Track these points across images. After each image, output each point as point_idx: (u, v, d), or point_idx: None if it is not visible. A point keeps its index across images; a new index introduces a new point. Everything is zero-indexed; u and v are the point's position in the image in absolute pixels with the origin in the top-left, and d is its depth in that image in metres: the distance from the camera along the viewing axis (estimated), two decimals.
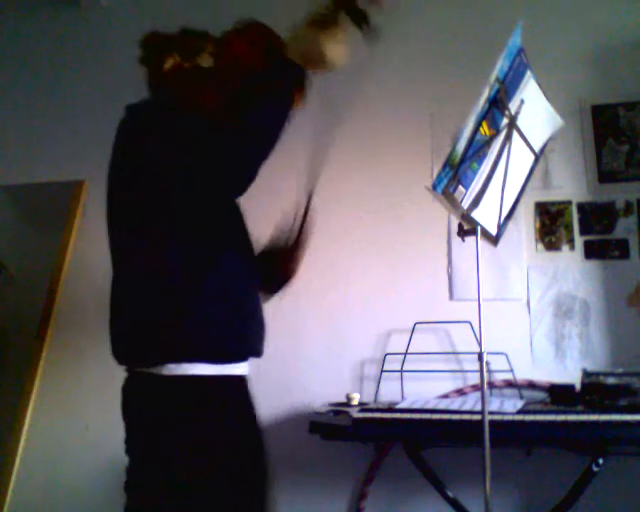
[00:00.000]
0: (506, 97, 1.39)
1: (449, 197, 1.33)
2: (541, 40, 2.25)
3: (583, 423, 1.59)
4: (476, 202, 1.40)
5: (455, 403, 1.82)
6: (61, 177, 2.62)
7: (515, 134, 1.45)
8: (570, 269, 2.22)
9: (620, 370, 1.80)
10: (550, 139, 1.63)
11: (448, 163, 1.32)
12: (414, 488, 2.08)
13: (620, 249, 2.19)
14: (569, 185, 2.28)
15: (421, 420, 1.67)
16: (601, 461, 1.69)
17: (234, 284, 1.26)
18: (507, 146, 1.43)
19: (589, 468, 1.70)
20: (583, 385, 1.81)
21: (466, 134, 1.33)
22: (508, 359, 2.08)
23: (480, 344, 1.40)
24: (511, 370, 2.07)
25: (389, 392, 2.14)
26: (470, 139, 1.34)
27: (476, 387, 2.16)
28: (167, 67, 1.34)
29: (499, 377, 2.13)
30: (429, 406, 1.75)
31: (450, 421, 1.65)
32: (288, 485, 2.21)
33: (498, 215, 1.47)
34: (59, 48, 2.77)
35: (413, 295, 2.28)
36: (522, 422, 1.61)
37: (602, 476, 1.72)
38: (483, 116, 1.36)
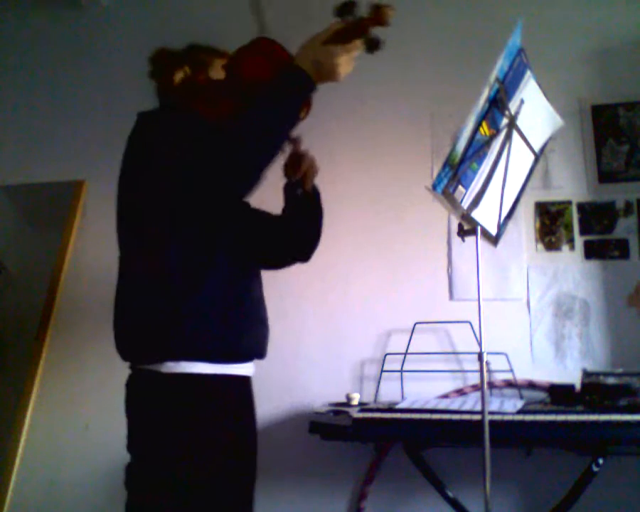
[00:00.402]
0: (506, 97, 1.39)
1: (449, 197, 1.33)
2: (541, 40, 2.25)
3: (583, 423, 1.58)
4: (476, 202, 1.40)
5: (455, 403, 1.82)
6: (61, 177, 2.61)
7: (515, 134, 1.45)
8: (570, 269, 2.22)
9: (620, 370, 1.81)
10: (550, 139, 1.63)
11: (448, 163, 1.32)
12: (414, 488, 2.08)
13: (620, 249, 2.19)
14: (569, 185, 2.28)
15: (421, 420, 1.67)
16: (601, 461, 1.69)
17: (235, 285, 1.27)
18: (507, 146, 1.43)
19: (589, 468, 1.70)
20: (583, 385, 1.81)
21: (466, 134, 1.33)
22: (508, 359, 2.08)
23: (480, 344, 1.40)
24: (511, 370, 2.07)
25: (389, 392, 2.14)
26: (470, 139, 1.34)
27: (476, 387, 2.16)
28: (177, 80, 1.36)
29: (499, 377, 2.13)
30: (429, 406, 1.75)
31: (450, 421, 1.65)
32: (288, 485, 2.21)
33: (498, 215, 1.47)
34: (59, 48, 2.77)
35: (413, 295, 2.28)
36: (522, 422, 1.61)
37: (602, 476, 1.72)
38: (483, 116, 1.36)
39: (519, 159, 1.51)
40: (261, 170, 1.13)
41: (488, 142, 1.39)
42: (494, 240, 1.51)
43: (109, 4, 2.77)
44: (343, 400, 1.99)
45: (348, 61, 1.15)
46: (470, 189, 1.38)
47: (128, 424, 1.22)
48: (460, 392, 2.17)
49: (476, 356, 1.41)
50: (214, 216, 1.26)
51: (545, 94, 1.52)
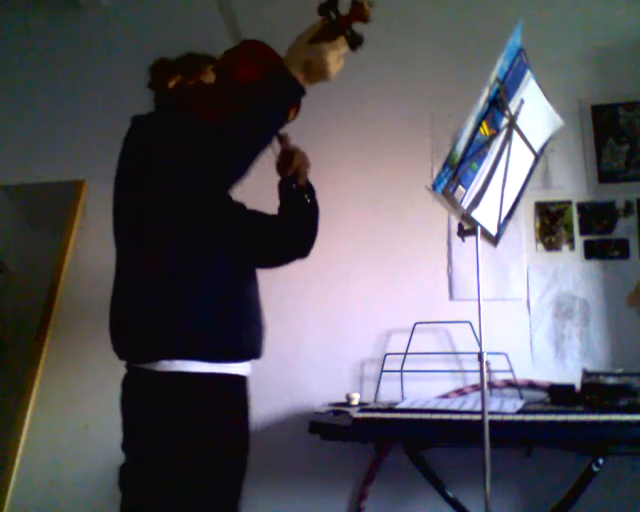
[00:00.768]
0: (506, 97, 1.39)
1: (449, 197, 1.33)
2: (541, 40, 2.25)
3: (583, 423, 1.58)
4: (476, 202, 1.40)
5: (455, 403, 1.82)
6: (61, 177, 2.62)
7: (515, 134, 1.45)
8: (570, 269, 2.22)
9: (620, 370, 1.81)
10: (550, 139, 1.63)
11: (448, 163, 1.32)
12: (414, 488, 2.08)
13: (620, 249, 2.19)
14: (569, 185, 2.28)
15: (421, 420, 1.67)
16: (601, 461, 1.69)
17: (231, 285, 1.28)
18: (507, 146, 1.43)
19: (589, 468, 1.70)
20: (583, 385, 1.81)
21: (466, 134, 1.33)
22: (508, 359, 2.08)
23: (480, 344, 1.40)
24: (511, 370, 2.07)
25: (389, 392, 2.14)
26: (470, 139, 1.34)
27: (476, 387, 2.16)
28: (171, 86, 1.39)
29: (499, 377, 2.13)
30: (429, 406, 1.75)
31: (450, 421, 1.65)
32: (288, 485, 2.21)
33: (498, 215, 1.47)
34: (59, 48, 2.77)
35: (413, 295, 2.28)
36: (522, 422, 1.61)
37: (602, 476, 1.72)
38: (483, 116, 1.36)
39: (519, 159, 1.51)
40: (245, 168, 1.14)
41: (488, 142, 1.39)
42: (494, 240, 1.51)
43: (109, 4, 2.77)
44: (343, 399, 1.99)
45: (336, 58, 1.15)
46: (470, 189, 1.38)
47: (123, 423, 1.23)
48: (460, 392, 2.17)
49: (476, 356, 1.41)
50: (211, 217, 1.27)
51: (545, 94, 1.52)
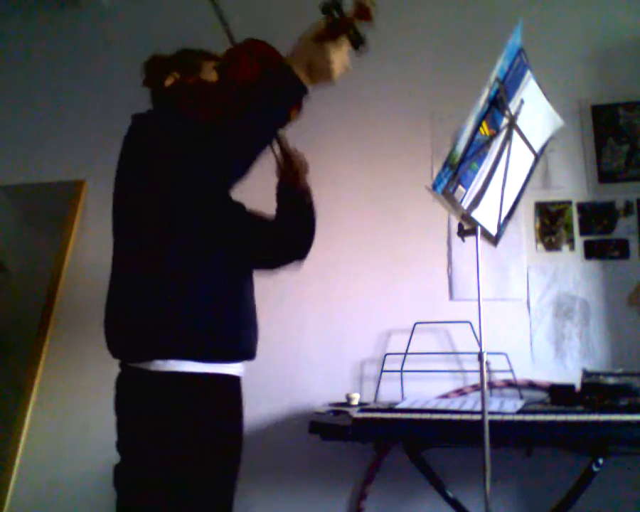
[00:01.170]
0: (506, 97, 1.39)
1: (449, 197, 1.33)
2: (541, 40, 2.25)
3: (583, 423, 1.58)
4: (476, 202, 1.40)
5: (455, 403, 1.82)
6: (61, 177, 2.62)
7: (515, 134, 1.45)
8: (570, 269, 2.22)
9: (620, 370, 1.81)
10: (550, 139, 1.63)
11: (448, 163, 1.32)
12: (414, 488, 2.08)
13: (620, 249, 2.19)
14: (569, 185, 2.28)
15: (421, 420, 1.67)
16: (601, 461, 1.69)
17: (227, 286, 1.28)
18: (507, 146, 1.43)
19: (589, 468, 1.70)
20: (583, 385, 1.81)
21: (466, 134, 1.33)
22: (508, 359, 2.08)
23: (480, 344, 1.40)
24: (511, 370, 2.07)
25: (389, 392, 2.14)
26: (470, 139, 1.34)
27: (476, 387, 2.16)
28: (168, 84, 1.38)
29: (499, 377, 2.13)
30: (429, 406, 1.75)
31: (450, 421, 1.65)
32: (288, 485, 2.21)
33: (498, 215, 1.47)
34: (59, 47, 2.77)
35: (413, 295, 2.28)
36: (522, 422, 1.61)
37: (602, 476, 1.72)
38: (483, 116, 1.36)
39: (519, 159, 1.51)
40: (246, 168, 1.14)
41: (488, 142, 1.39)
42: (494, 240, 1.51)
43: (109, 4, 2.77)
44: (343, 399, 1.99)
45: (340, 59, 1.14)
46: (470, 189, 1.38)
47: (117, 422, 1.23)
48: (460, 392, 2.17)
49: (476, 356, 1.41)
50: (209, 217, 1.27)
51: (545, 94, 1.52)
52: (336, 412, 1.81)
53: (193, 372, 1.18)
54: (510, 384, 2.11)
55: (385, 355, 2.20)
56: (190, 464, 1.16)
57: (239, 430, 1.33)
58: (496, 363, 2.10)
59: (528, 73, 1.45)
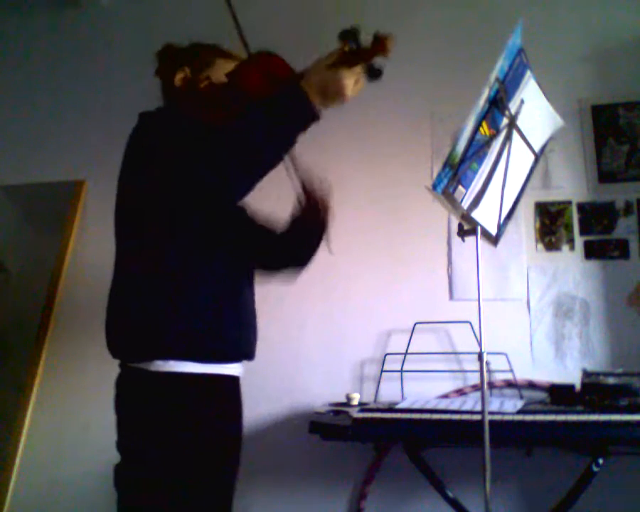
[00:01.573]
0: (506, 97, 1.39)
1: (449, 197, 1.33)
2: (541, 40, 2.25)
3: (583, 423, 1.58)
4: (476, 202, 1.40)
5: (455, 403, 1.82)
6: (61, 177, 2.62)
7: (515, 134, 1.45)
8: (570, 269, 2.22)
9: (620, 370, 1.81)
10: (550, 139, 1.63)
11: (448, 163, 1.32)
12: (414, 488, 2.08)
13: (620, 249, 2.19)
14: (569, 185, 2.28)
15: (421, 420, 1.67)
16: (601, 461, 1.69)
17: (227, 287, 1.28)
18: (507, 146, 1.43)
19: (589, 468, 1.70)
20: (583, 385, 1.81)
21: (466, 134, 1.33)
22: (508, 359, 2.08)
23: (480, 344, 1.40)
24: (511, 370, 2.07)
25: (389, 392, 2.14)
26: (470, 139, 1.34)
27: (476, 387, 2.16)
28: (177, 81, 1.37)
29: (499, 377, 2.13)
30: (429, 406, 1.75)
31: (450, 421, 1.65)
32: (288, 485, 2.21)
33: (498, 215, 1.47)
34: (59, 47, 2.77)
35: (413, 295, 2.28)
36: (522, 422, 1.61)
37: (602, 476, 1.72)
38: (483, 116, 1.36)
39: (519, 159, 1.51)
40: (249, 180, 1.15)
41: (488, 142, 1.39)
42: (494, 240, 1.51)
43: (109, 4, 2.77)
44: (343, 400, 1.99)
45: (353, 85, 1.16)
46: (470, 189, 1.38)
47: (117, 422, 1.23)
48: (460, 392, 2.17)
49: (476, 356, 1.41)
50: (209, 218, 1.27)
51: (545, 94, 1.52)
52: (336, 412, 1.81)
53: (193, 372, 1.18)
54: (510, 384, 2.11)
55: (385, 355, 2.20)
56: (190, 463, 1.16)
57: (239, 430, 1.33)
58: (496, 363, 2.10)
59: (528, 73, 1.45)
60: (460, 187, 1.35)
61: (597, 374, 1.81)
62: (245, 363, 1.34)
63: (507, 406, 1.74)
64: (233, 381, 1.30)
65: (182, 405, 1.17)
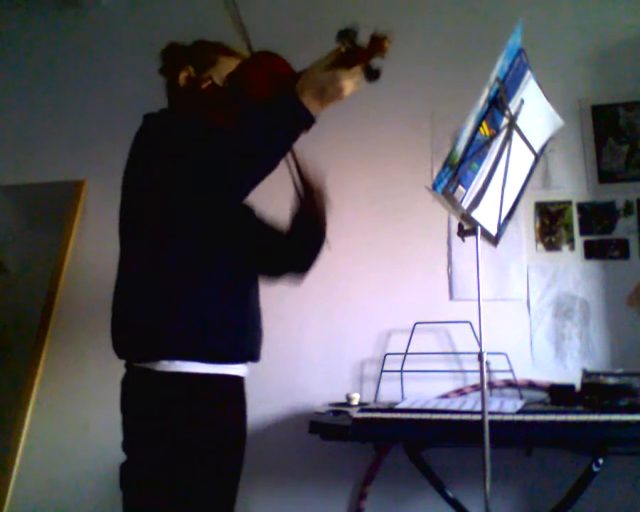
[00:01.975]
0: (506, 97, 1.39)
1: (449, 197, 1.33)
2: (541, 40, 2.25)
3: (583, 423, 1.58)
4: (476, 202, 1.40)
5: (455, 403, 1.82)
6: (61, 177, 2.62)
7: (515, 134, 1.45)
8: (570, 269, 2.22)
9: (620, 370, 1.81)
10: (550, 139, 1.63)
11: (448, 163, 1.32)
12: (414, 488, 2.08)
13: (620, 249, 2.19)
14: (569, 185, 2.28)
15: (421, 420, 1.67)
16: (601, 461, 1.69)
17: (233, 287, 1.28)
18: (507, 146, 1.43)
19: (589, 468, 1.70)
20: (583, 385, 1.81)
21: (466, 134, 1.33)
22: (508, 359, 2.08)
23: (480, 344, 1.40)
24: (511, 370, 2.07)
25: (389, 392, 2.14)
26: (470, 139, 1.34)
27: (476, 387, 2.16)
28: (181, 80, 1.37)
29: (499, 377, 2.13)
30: (429, 406, 1.75)
31: (450, 421, 1.65)
32: (288, 485, 2.21)
33: (498, 215, 1.47)
34: (59, 47, 2.77)
35: (413, 295, 2.28)
36: (522, 422, 1.61)
37: (602, 476, 1.72)
38: (483, 116, 1.36)
39: (519, 159, 1.51)
40: (250, 179, 1.15)
41: (488, 142, 1.39)
42: (494, 240, 1.51)
43: (109, 4, 2.77)
44: (343, 400, 1.99)
45: (351, 85, 1.15)
46: (470, 189, 1.38)
47: (123, 422, 1.23)
48: (460, 392, 2.17)
49: (476, 356, 1.41)
50: (215, 219, 1.27)
51: (545, 94, 1.52)
52: (336, 412, 1.81)
53: (199, 372, 1.19)
54: (510, 384, 2.11)
55: (385, 355, 2.20)
56: (196, 463, 1.16)
57: (243, 430, 1.33)
58: (496, 363, 2.10)
59: (528, 73, 1.45)
60: (460, 187, 1.35)
61: (597, 374, 1.81)
62: (250, 363, 1.35)
63: (507, 406, 1.74)
64: (238, 381, 1.31)
65: (188, 405, 1.17)
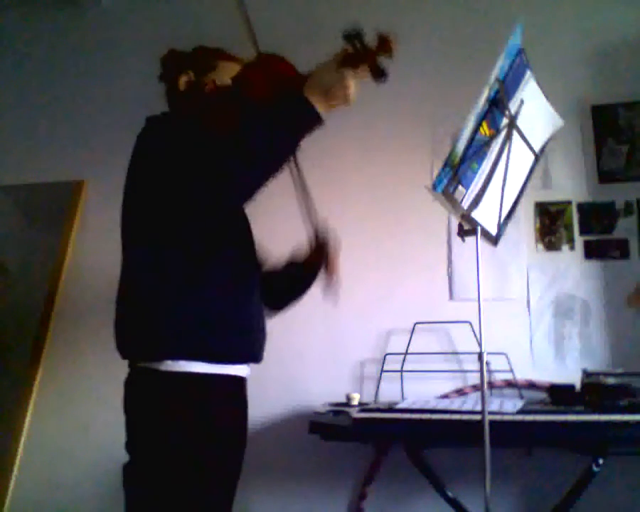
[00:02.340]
0: (506, 97, 1.39)
1: (449, 197, 1.33)
2: (541, 40, 2.25)
3: (583, 423, 1.58)
4: (476, 202, 1.40)
5: (455, 403, 1.82)
6: (61, 177, 2.62)
7: (515, 134, 1.45)
8: (570, 269, 2.22)
9: (620, 370, 1.81)
10: (550, 139, 1.63)
11: (448, 163, 1.32)
12: (414, 488, 2.08)
13: (620, 249, 2.19)
14: (569, 185, 2.28)
15: (421, 420, 1.67)
16: (601, 461, 1.69)
17: (237, 288, 1.29)
18: (507, 146, 1.43)
19: (589, 468, 1.70)
20: (583, 385, 1.81)
21: (466, 134, 1.33)
22: (508, 359, 2.08)
23: (480, 344, 1.40)
24: (511, 370, 2.07)
25: (389, 392, 2.14)
26: (470, 139, 1.34)
27: (476, 387, 2.16)
28: (182, 84, 1.37)
29: (499, 377, 2.13)
30: (429, 406, 1.75)
31: (450, 421, 1.65)
32: (288, 485, 2.21)
33: (498, 215, 1.47)
34: (59, 47, 2.77)
35: (413, 295, 2.28)
36: (522, 422, 1.61)
37: (602, 476, 1.72)
38: (484, 117, 1.36)
39: (519, 159, 1.50)
40: (253, 187, 1.15)
41: (488, 142, 1.39)
42: (494, 240, 1.51)
43: (109, 4, 2.77)
44: (343, 400, 1.99)
45: (357, 85, 1.17)
46: (470, 189, 1.38)
47: (126, 422, 1.23)
48: (460, 392, 2.17)
49: (476, 356, 1.41)
50: (216, 222, 1.27)
51: (545, 94, 1.52)
52: (336, 412, 1.81)
53: (203, 372, 1.19)
54: (510, 384, 2.11)
55: (385, 355, 2.20)
56: (200, 462, 1.16)
57: (245, 430, 1.34)
58: (496, 363, 2.10)
59: (528, 73, 1.45)
60: (460, 187, 1.34)
61: (597, 374, 1.81)
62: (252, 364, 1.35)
63: (507, 406, 1.74)
64: (241, 382, 1.32)
65: (193, 404, 1.18)
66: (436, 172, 1.34)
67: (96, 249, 2.47)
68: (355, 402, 1.95)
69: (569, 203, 2.27)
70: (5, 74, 2.79)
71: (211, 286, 1.23)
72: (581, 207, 2.25)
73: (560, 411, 1.67)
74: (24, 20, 2.84)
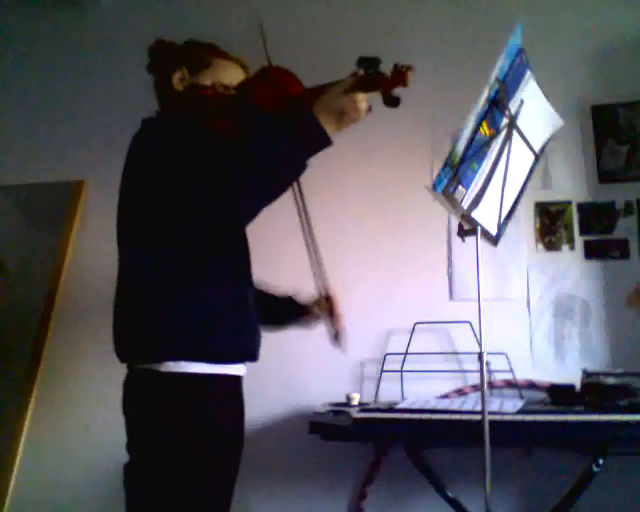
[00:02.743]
0: (506, 97, 1.39)
1: (449, 197, 1.33)
2: (541, 40, 2.25)
3: (583, 423, 1.58)
4: (476, 202, 1.40)
5: (455, 403, 1.82)
6: (61, 177, 2.62)
7: (515, 134, 1.45)
8: (570, 269, 2.22)
9: (620, 370, 1.81)
10: (550, 139, 1.63)
11: (448, 163, 1.32)
12: (414, 488, 2.08)
13: (620, 249, 2.19)
14: (569, 185, 2.28)
15: (421, 420, 1.67)
16: (601, 461, 1.69)
17: (235, 288, 1.29)
18: (507, 146, 1.43)
19: (589, 468, 1.70)
20: (583, 385, 1.81)
21: (466, 134, 1.33)
22: (508, 359, 2.08)
23: (480, 344, 1.39)
24: (511, 370, 2.07)
25: (389, 392, 2.14)
26: (470, 139, 1.34)
27: (476, 387, 2.16)
28: (175, 81, 1.35)
29: (499, 377, 2.13)
30: (429, 406, 1.75)
31: (450, 421, 1.65)
32: (288, 485, 2.21)
33: (498, 215, 1.47)
34: (59, 48, 2.77)
35: (413, 295, 2.28)
36: (522, 422, 1.61)
37: (602, 476, 1.72)
38: (484, 116, 1.36)
39: (519, 159, 1.50)
40: (258, 206, 1.15)
41: (488, 142, 1.39)
42: (494, 240, 1.51)
43: (109, 4, 2.77)
44: (343, 400, 1.99)
45: (367, 106, 1.18)
46: (470, 189, 1.38)
47: (126, 423, 1.23)
48: (460, 392, 2.17)
49: (476, 356, 1.40)
50: (217, 222, 1.27)
51: (545, 94, 1.52)
52: (336, 412, 1.81)
53: (203, 373, 1.19)
54: (510, 384, 2.11)
55: (385, 355, 2.20)
56: (201, 462, 1.17)
57: (243, 429, 1.34)
58: (496, 363, 2.10)
59: (528, 73, 1.45)
60: (460, 187, 1.34)
61: (597, 374, 1.81)
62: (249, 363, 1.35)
63: (507, 406, 1.74)
64: (238, 381, 1.32)
65: (193, 404, 1.18)
66: (436, 172, 1.34)
67: (96, 249, 2.47)
68: (355, 402, 1.95)
69: (569, 203, 2.27)
70: (5, 74, 2.79)
71: (210, 286, 1.23)
72: (581, 207, 2.25)
73: (560, 411, 1.67)
74: (24, 20, 2.84)
